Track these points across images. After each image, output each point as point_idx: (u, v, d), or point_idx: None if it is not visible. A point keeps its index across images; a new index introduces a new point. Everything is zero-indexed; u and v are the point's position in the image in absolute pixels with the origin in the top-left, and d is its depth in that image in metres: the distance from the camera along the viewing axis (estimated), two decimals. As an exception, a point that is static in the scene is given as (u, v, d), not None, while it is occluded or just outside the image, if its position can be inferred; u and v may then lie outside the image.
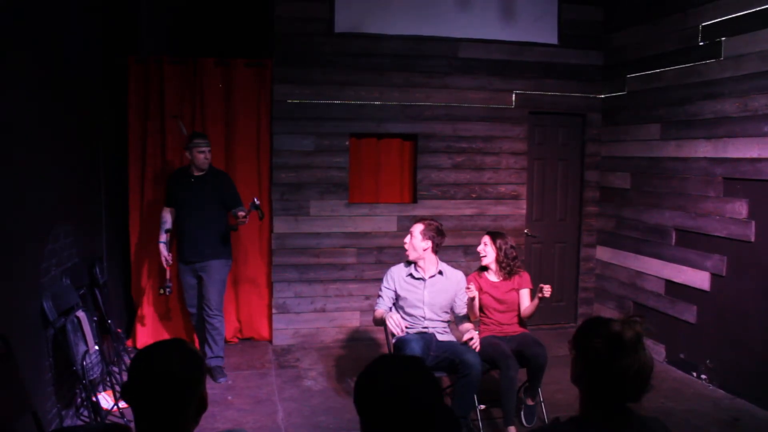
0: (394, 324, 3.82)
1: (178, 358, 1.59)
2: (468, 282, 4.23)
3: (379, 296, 4.20)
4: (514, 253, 4.29)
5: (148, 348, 1.64)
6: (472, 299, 4.09)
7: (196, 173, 4.89)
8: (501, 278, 4.28)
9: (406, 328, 4.05)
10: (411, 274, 4.13)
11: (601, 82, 6.28)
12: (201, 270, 4.89)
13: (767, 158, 4.40)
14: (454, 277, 4.17)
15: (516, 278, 4.28)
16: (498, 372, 3.97)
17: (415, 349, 3.75)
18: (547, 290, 3.94)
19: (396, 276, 4.16)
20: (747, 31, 4.55)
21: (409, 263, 4.18)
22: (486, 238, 4.33)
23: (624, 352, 1.58)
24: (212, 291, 4.90)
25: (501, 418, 3.98)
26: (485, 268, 4.33)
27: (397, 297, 4.14)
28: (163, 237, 4.94)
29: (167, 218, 4.97)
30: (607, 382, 1.61)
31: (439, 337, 4.07)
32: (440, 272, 4.14)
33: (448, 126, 5.99)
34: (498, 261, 4.26)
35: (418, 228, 4.11)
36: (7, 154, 3.12)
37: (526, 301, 4.25)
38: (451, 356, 3.84)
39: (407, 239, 4.14)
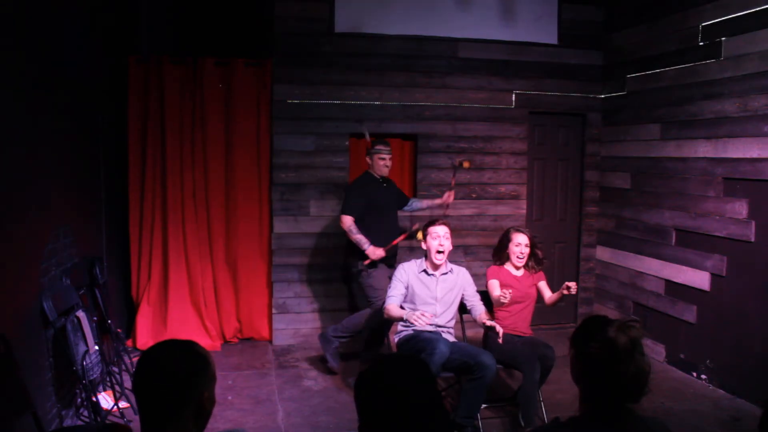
0: (418, 317, 3.67)
1: (177, 357, 1.60)
2: (490, 276, 4.25)
3: (391, 287, 4.13)
4: (540, 245, 4.40)
5: (155, 345, 1.66)
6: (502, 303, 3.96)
7: (380, 177, 4.98)
8: (523, 273, 4.30)
9: (415, 328, 4.05)
10: (425, 270, 4.14)
11: (601, 82, 6.27)
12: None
13: (767, 158, 4.40)
14: (459, 272, 4.22)
15: (533, 275, 4.32)
16: (505, 372, 3.97)
17: (443, 350, 3.69)
18: (573, 288, 3.90)
19: (409, 270, 4.15)
20: (747, 31, 4.55)
21: (418, 260, 4.22)
22: (524, 238, 4.24)
23: (618, 357, 1.59)
24: None
25: (500, 417, 3.98)
26: (500, 262, 4.34)
27: (408, 293, 4.11)
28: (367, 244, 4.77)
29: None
30: (605, 385, 1.62)
31: (447, 338, 4.08)
32: (450, 270, 4.20)
33: (448, 126, 5.99)
34: (530, 256, 4.27)
35: (445, 230, 4.12)
36: (7, 154, 3.12)
37: (548, 291, 4.28)
38: (465, 358, 3.82)
39: (444, 243, 4.09)
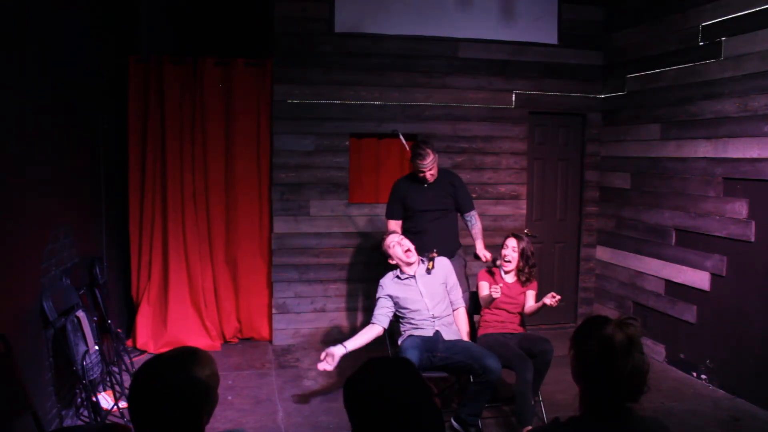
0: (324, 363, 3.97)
1: (176, 386, 1.54)
2: (481, 278, 4.31)
3: (375, 307, 4.16)
4: (534, 260, 4.33)
5: (152, 366, 1.60)
6: (493, 299, 4.05)
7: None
8: (514, 280, 4.34)
9: (414, 329, 4.04)
10: (398, 276, 4.18)
11: (601, 82, 6.28)
12: None
13: (767, 158, 4.40)
14: (440, 263, 4.22)
15: (528, 284, 4.37)
16: (504, 372, 3.97)
17: (412, 358, 3.69)
18: (554, 300, 3.95)
19: (387, 282, 4.19)
20: (747, 31, 4.55)
21: (392, 268, 4.25)
22: (512, 241, 4.30)
23: (615, 354, 1.59)
24: None
25: (505, 417, 3.99)
26: (495, 266, 4.41)
27: (396, 302, 4.12)
28: None
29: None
30: (603, 384, 1.62)
31: (446, 335, 4.03)
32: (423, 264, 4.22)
33: (448, 126, 5.99)
34: (518, 266, 4.30)
35: (398, 236, 4.24)
36: (7, 154, 3.12)
37: (531, 301, 4.31)
38: (468, 360, 3.80)
39: (406, 250, 4.14)
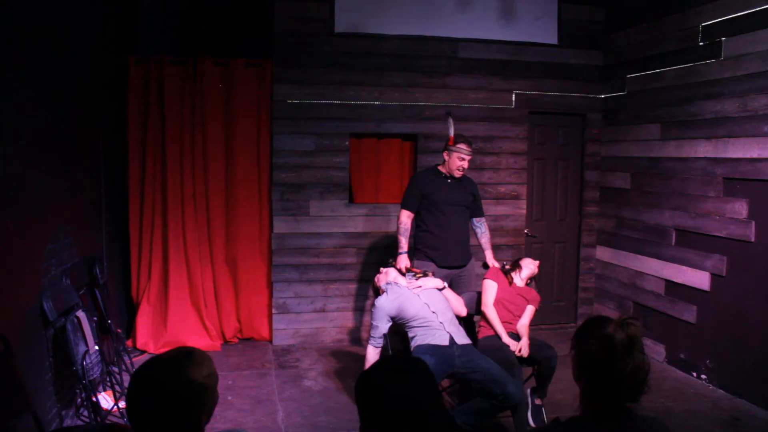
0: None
1: (173, 388, 1.54)
2: (490, 276, 4.36)
3: (373, 330, 4.05)
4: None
5: (149, 368, 1.59)
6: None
7: (449, 175, 4.69)
8: (523, 283, 4.42)
9: (425, 332, 3.95)
10: (391, 288, 4.16)
11: (601, 82, 6.28)
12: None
13: (767, 158, 4.40)
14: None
15: (531, 290, 4.41)
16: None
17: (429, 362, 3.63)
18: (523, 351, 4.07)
19: (384, 300, 4.07)
20: (747, 31, 4.55)
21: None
22: (535, 263, 4.52)
23: (615, 354, 1.59)
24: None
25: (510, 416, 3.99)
26: (505, 268, 4.50)
27: (400, 312, 4.01)
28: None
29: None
30: (603, 383, 1.62)
31: (458, 339, 3.91)
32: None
33: (448, 126, 5.99)
34: (530, 276, 4.47)
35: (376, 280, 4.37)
36: (7, 155, 3.12)
37: (526, 318, 4.29)
38: (489, 383, 3.65)
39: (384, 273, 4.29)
